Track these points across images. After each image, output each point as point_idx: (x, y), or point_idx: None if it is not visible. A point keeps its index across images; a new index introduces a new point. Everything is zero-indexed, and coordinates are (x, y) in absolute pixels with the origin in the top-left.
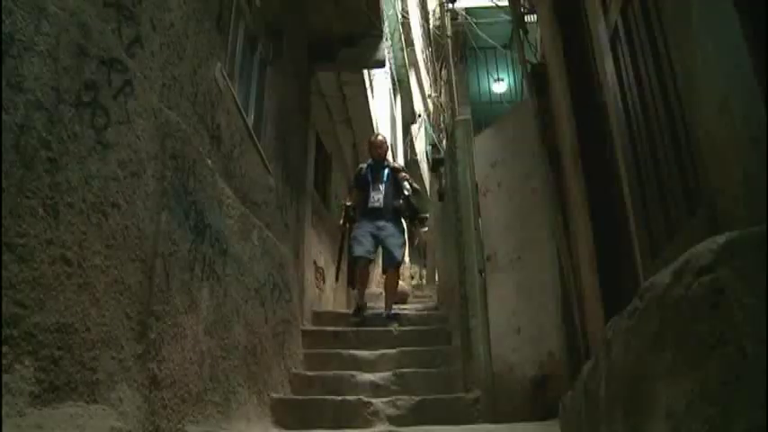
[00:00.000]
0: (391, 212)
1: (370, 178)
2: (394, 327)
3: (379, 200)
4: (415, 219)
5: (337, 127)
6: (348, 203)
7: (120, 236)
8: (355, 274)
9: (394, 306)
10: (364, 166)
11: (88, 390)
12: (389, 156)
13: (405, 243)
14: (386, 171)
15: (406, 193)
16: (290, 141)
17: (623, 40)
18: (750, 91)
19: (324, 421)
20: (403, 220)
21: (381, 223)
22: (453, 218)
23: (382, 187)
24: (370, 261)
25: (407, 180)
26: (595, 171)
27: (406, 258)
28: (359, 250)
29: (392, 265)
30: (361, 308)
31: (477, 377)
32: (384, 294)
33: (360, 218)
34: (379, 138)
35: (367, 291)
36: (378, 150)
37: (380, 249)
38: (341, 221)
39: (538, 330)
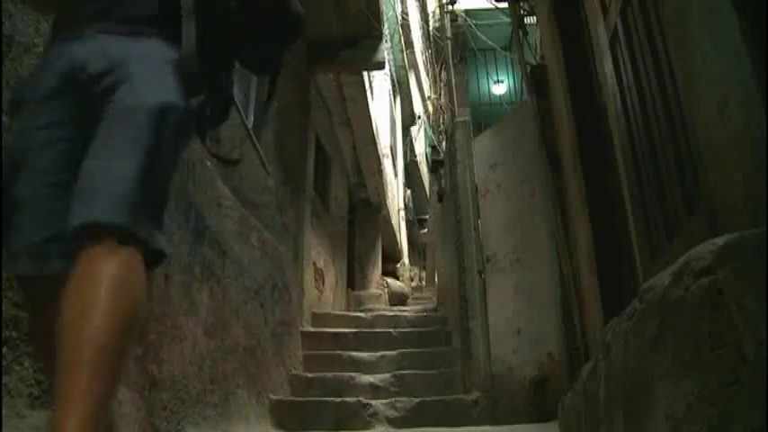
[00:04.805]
0: None
1: None
2: None
3: None
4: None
5: (337, 128)
6: None
7: None
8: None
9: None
10: None
11: None
12: None
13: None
14: None
15: None
16: (289, 143)
17: (622, 41)
18: (749, 92)
19: (323, 423)
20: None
21: (94, 40)
22: (453, 219)
23: None
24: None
25: None
26: (595, 171)
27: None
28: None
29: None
30: None
31: (477, 378)
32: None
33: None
34: None
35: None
36: None
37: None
38: None
39: (537, 331)
